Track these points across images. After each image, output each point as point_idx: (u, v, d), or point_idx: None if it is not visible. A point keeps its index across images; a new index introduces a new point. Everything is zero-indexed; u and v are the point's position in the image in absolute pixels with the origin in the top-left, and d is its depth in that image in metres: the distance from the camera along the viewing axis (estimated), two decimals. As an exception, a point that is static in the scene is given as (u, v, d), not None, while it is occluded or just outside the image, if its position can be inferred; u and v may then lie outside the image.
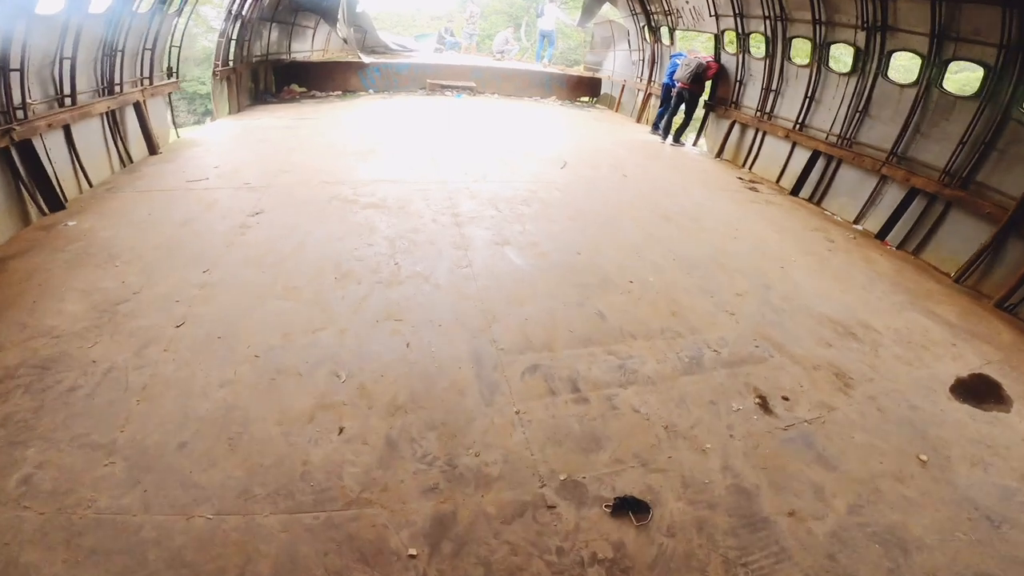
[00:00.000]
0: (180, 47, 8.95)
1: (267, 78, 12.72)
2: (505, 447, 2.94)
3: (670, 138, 10.64)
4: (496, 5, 30.72)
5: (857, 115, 7.18)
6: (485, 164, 7.82)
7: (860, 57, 7.08)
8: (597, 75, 15.40)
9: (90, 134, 6.59)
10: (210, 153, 7.89)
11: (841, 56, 8.86)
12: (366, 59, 13.98)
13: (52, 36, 5.70)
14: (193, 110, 20.84)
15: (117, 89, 7.06)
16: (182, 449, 2.73)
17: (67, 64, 5.97)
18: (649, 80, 12.60)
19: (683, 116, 10.50)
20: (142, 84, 7.84)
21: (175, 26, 8.58)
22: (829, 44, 7.64)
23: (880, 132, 6.93)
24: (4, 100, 5.10)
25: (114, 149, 7.07)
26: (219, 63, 10.40)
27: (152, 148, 7.82)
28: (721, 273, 5.07)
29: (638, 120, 12.84)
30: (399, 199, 6.13)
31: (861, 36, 6.98)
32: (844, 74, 7.43)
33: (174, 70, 8.89)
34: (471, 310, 4.02)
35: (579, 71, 16.26)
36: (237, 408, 2.95)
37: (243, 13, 10.61)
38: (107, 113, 6.90)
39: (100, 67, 6.75)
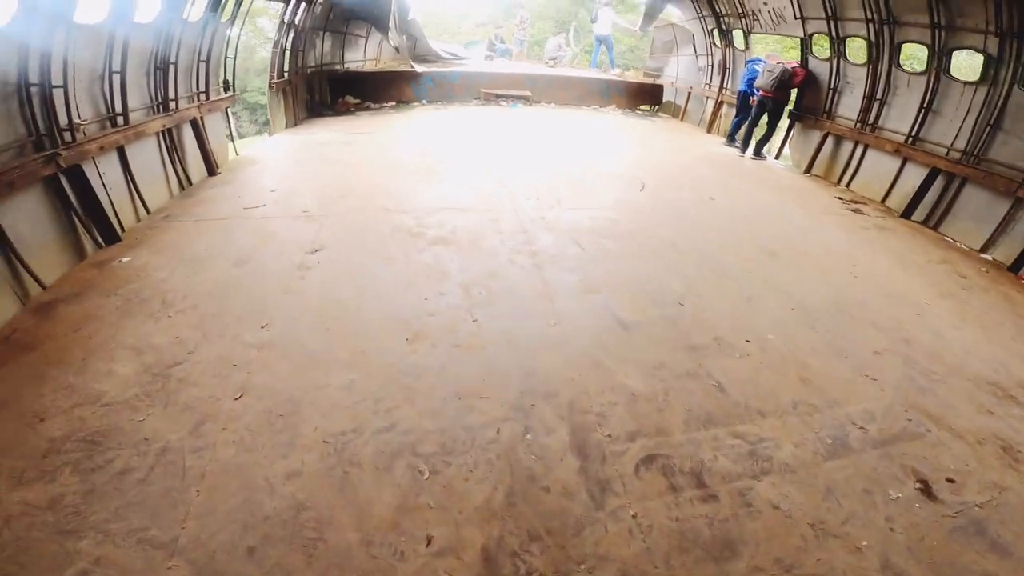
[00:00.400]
0: (235, 58, 8.87)
1: (322, 89, 12.66)
2: (623, 560, 2.44)
3: (750, 150, 9.89)
4: (543, 10, 30.29)
5: (987, 129, 6.33)
6: (557, 186, 7.32)
7: (991, 65, 6.24)
8: (658, 82, 14.73)
9: (146, 156, 6.41)
10: (267, 172, 7.71)
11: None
12: (419, 69, 13.78)
13: (97, 48, 5.44)
14: (255, 120, 21.20)
15: (172, 105, 6.90)
16: (252, 556, 2.33)
17: (116, 79, 5.72)
18: (720, 87, 11.87)
19: (765, 127, 9.76)
20: (198, 99, 7.72)
21: (229, 36, 8.46)
22: (951, 50, 6.80)
23: (1016, 149, 6.07)
24: (48, 121, 4.81)
25: (172, 171, 6.90)
26: (274, 75, 10.34)
27: (211, 168, 7.68)
28: (851, 325, 4.39)
29: (709, 130, 12.12)
30: (469, 231, 5.69)
31: (993, 43, 6.15)
32: (970, 83, 6.58)
33: (231, 83, 8.81)
34: (567, 383, 3.48)
35: (638, 77, 15.61)
36: (309, 508, 2.54)
37: (296, 22, 10.54)
38: (163, 132, 6.75)
39: (153, 82, 6.55)
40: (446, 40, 23.97)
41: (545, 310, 4.28)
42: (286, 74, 10.68)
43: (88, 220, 5.16)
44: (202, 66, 7.68)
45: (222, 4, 7.53)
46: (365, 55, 15.29)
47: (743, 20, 10.89)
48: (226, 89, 8.67)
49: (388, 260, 4.99)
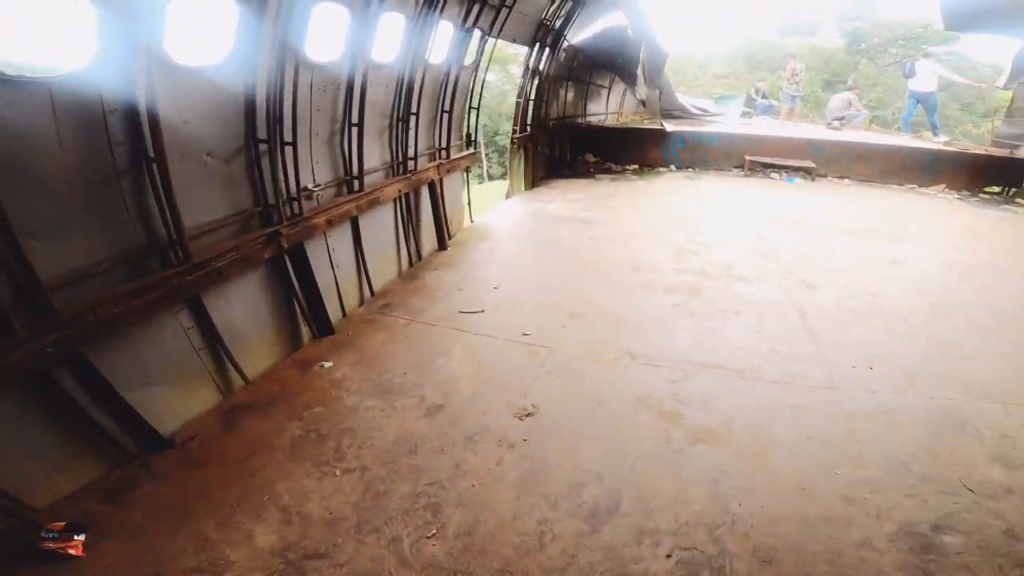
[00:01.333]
0: (479, 108, 8.05)
1: (562, 144, 11.79)
2: None
3: None
4: (808, 60, 26.67)
5: None
6: (895, 339, 4.74)
7: None
8: (1017, 154, 10.84)
9: (379, 227, 5.72)
10: (495, 256, 6.67)
11: None
12: (669, 127, 12.09)
13: (332, 92, 4.71)
14: (503, 162, 22.04)
15: (411, 165, 6.11)
16: None
17: (354, 134, 5.01)
18: None
19: None
20: (439, 157, 6.92)
21: (473, 83, 7.64)
22: None
23: None
24: (277, 187, 4.13)
25: (403, 245, 6.18)
26: (517, 128, 9.58)
27: (442, 241, 6.81)
28: None
29: None
30: (752, 424, 3.61)
31: None
32: None
33: (473, 138, 7.98)
34: None
35: (984, 148, 11.81)
36: None
37: (540, 69, 9.72)
38: (399, 198, 6.00)
39: (393, 136, 5.80)
40: (683, 92, 22.29)
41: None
42: (528, 127, 9.88)
43: (307, 307, 4.58)
44: (444, 117, 6.86)
45: (466, 44, 6.68)
46: (607, 108, 14.29)
47: None
48: (468, 145, 7.86)
49: (624, 462, 3.30)
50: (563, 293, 5.61)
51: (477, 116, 8.11)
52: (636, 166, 11.86)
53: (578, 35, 10.90)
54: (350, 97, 4.87)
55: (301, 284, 4.51)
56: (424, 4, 5.42)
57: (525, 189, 9.87)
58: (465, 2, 6.25)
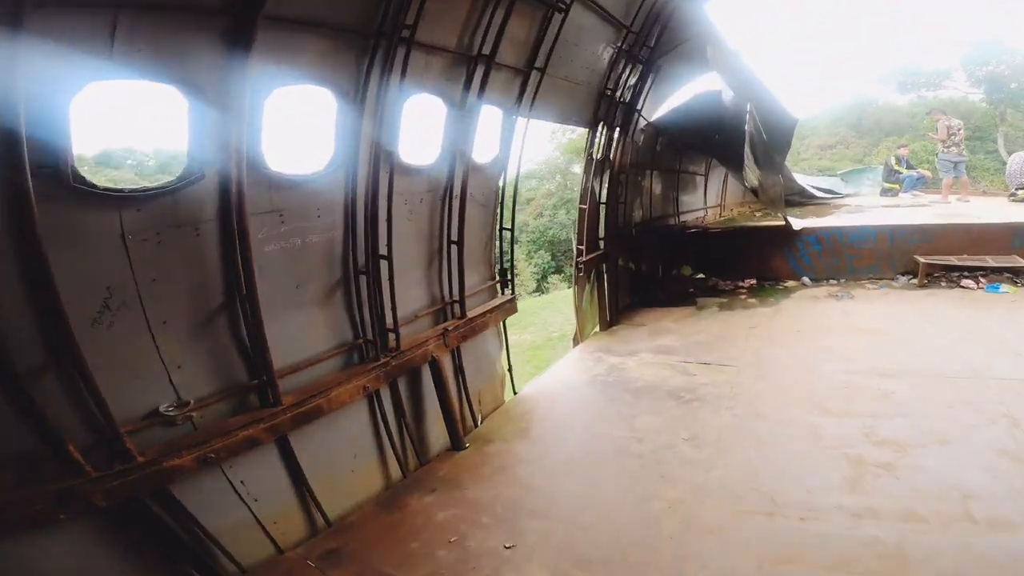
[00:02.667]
0: (512, 229, 5.66)
1: (651, 255, 9.28)
2: None
3: None
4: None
5: None
6: None
7: None
8: None
9: (333, 438, 3.65)
10: (528, 472, 4.18)
11: None
12: (795, 222, 9.26)
13: (186, 241, 2.84)
14: None
15: (391, 341, 3.95)
16: None
17: (248, 311, 3.10)
18: None
19: None
20: (447, 316, 4.69)
21: (503, 188, 5.33)
22: None
23: None
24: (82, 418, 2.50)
25: (390, 451, 4.04)
26: (584, 248, 7.13)
27: (456, 439, 4.45)
28: None
29: None
30: None
31: None
32: None
33: (509, 273, 5.60)
34: None
35: None
36: None
37: (610, 157, 7.42)
38: (373, 395, 3.86)
39: (351, 302, 3.74)
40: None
41: None
42: (601, 242, 7.51)
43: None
44: (450, 252, 4.66)
45: (472, 128, 4.51)
46: (705, 201, 11.81)
47: None
48: (504, 285, 5.49)
49: None
50: (624, 566, 3.06)
51: (512, 238, 5.71)
52: (753, 281, 9.03)
53: (656, 109, 8.68)
54: (229, 250, 2.93)
55: (170, 535, 2.79)
56: (373, 61, 3.46)
57: (601, 329, 7.40)
58: (464, 62, 4.26)
